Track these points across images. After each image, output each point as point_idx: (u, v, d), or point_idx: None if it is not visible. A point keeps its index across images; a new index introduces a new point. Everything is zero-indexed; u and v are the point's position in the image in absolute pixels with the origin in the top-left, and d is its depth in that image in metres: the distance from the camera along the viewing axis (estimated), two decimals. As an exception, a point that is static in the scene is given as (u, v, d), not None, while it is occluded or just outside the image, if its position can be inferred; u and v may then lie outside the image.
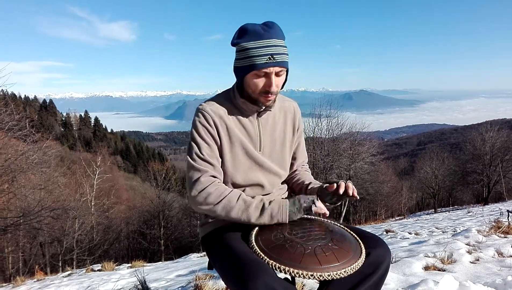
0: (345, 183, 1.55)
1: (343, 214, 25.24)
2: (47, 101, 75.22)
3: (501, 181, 29.12)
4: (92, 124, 79.66)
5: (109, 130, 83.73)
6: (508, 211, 4.13)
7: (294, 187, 1.85)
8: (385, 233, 5.60)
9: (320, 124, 22.41)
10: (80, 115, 79.41)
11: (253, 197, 1.54)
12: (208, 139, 1.57)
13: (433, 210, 31.81)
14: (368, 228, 11.61)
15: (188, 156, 1.58)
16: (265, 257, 1.33)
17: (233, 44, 1.55)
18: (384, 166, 33.17)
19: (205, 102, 1.64)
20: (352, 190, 1.54)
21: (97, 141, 67.25)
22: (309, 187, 1.73)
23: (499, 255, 2.61)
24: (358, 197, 1.57)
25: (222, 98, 1.65)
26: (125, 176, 54.75)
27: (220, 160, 1.60)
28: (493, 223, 5.27)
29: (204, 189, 1.50)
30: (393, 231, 5.59)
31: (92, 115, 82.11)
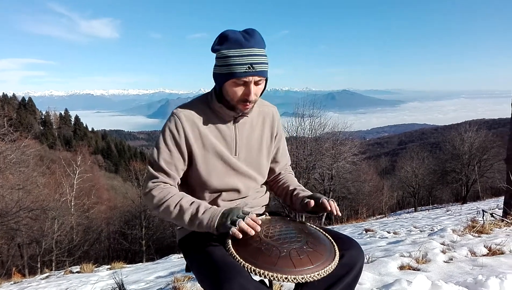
0: (328, 201, 1.56)
1: (325, 213, 25.50)
2: (26, 99, 73.48)
3: (478, 181, 29.83)
4: (72, 122, 78.20)
5: (90, 129, 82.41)
6: (483, 210, 4.23)
7: (279, 192, 1.87)
8: (364, 232, 5.69)
9: (303, 124, 22.55)
10: (60, 114, 77.86)
11: (202, 203, 1.54)
12: (171, 146, 1.58)
13: (413, 208, 32.35)
14: (350, 227, 11.76)
15: (147, 160, 1.62)
16: (241, 260, 1.34)
17: (213, 50, 1.55)
18: (365, 165, 33.59)
19: (181, 106, 1.64)
20: (335, 209, 1.56)
21: (78, 140, 66.10)
22: (294, 194, 1.75)
23: (472, 255, 2.67)
24: (340, 215, 1.59)
25: (199, 102, 1.66)
26: (106, 175, 54.03)
27: (182, 167, 1.62)
28: (469, 223, 5.41)
29: (149, 191, 1.56)
30: (372, 230, 5.68)
31: (73, 114, 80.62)
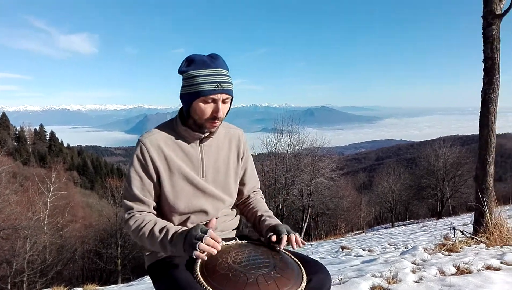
0: (288, 236, 1.57)
1: (304, 229, 25.37)
2: (0, 114, 71.58)
3: (448, 198, 30.47)
4: (47, 138, 76.38)
5: (65, 145, 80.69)
6: (454, 228, 4.32)
7: (248, 216, 1.87)
8: (341, 250, 5.72)
9: (282, 140, 22.68)
10: (35, 129, 76.03)
11: (169, 228, 1.54)
12: (141, 173, 1.62)
13: (390, 224, 32.73)
14: (328, 243, 11.77)
15: (122, 192, 1.62)
16: (209, 288, 1.34)
17: (180, 72, 1.60)
18: (344, 181, 33.93)
19: (147, 132, 1.67)
20: (295, 244, 1.56)
21: (53, 156, 64.46)
22: (261, 221, 1.75)
23: (441, 274, 2.72)
24: (303, 246, 1.61)
25: (165, 127, 1.69)
26: (82, 192, 52.73)
27: (156, 193, 1.65)
28: (442, 240, 5.51)
29: (126, 222, 1.63)
30: (348, 248, 5.71)
31: (48, 129, 78.80)
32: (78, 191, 50.36)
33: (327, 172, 23.55)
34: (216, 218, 1.70)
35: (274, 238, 1.58)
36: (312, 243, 14.61)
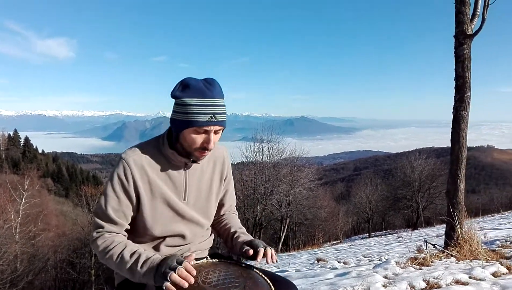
0: (265, 250, 1.56)
1: (282, 239, 25.30)
2: (-29, 118, 69.27)
3: (420, 210, 31.06)
4: (21, 144, 74.36)
5: (40, 151, 78.67)
6: (426, 241, 4.41)
7: (221, 233, 1.86)
8: (316, 261, 5.75)
9: (261, 149, 22.75)
10: (9, 134, 73.86)
11: (141, 253, 1.49)
12: (120, 193, 1.54)
13: (367, 234, 33.09)
14: (305, 253, 11.78)
15: (94, 208, 1.58)
16: None
17: (174, 96, 1.51)
18: (322, 191, 34.16)
19: (130, 148, 1.60)
20: (271, 259, 1.56)
21: (26, 163, 62.65)
22: (234, 237, 1.74)
23: (411, 289, 2.77)
24: (276, 261, 1.60)
25: (150, 146, 1.61)
26: (56, 200, 51.42)
27: (131, 214, 1.58)
28: (415, 252, 5.61)
29: (94, 241, 1.55)
30: (324, 260, 5.75)
31: (22, 135, 76.68)
32: (52, 198, 49.12)
33: (305, 182, 23.71)
34: (190, 243, 1.70)
35: (250, 252, 1.56)
36: (289, 253, 14.63)
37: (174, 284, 1.32)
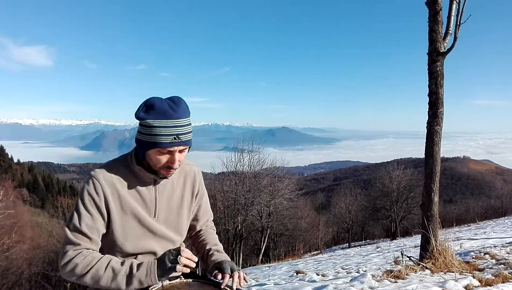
0: (232, 274, 1.59)
1: (263, 250, 25.14)
2: None
3: (397, 220, 31.54)
4: (-4, 153, 72.31)
5: (15, 161, 76.48)
6: (402, 253, 4.49)
7: (198, 249, 1.88)
8: (295, 274, 5.78)
9: (242, 160, 22.70)
10: (-18, 144, 71.80)
11: (133, 260, 1.54)
12: (92, 210, 1.53)
13: (347, 244, 33.33)
14: (285, 265, 11.78)
15: (66, 226, 1.55)
16: None
17: (138, 118, 1.52)
18: (303, 202, 34.32)
19: (99, 167, 1.60)
20: (237, 283, 1.58)
21: (1, 173, 60.88)
22: (209, 254, 1.77)
23: (386, 302, 2.81)
24: (244, 284, 1.62)
25: (119, 164, 1.62)
26: (31, 211, 49.92)
27: (103, 231, 1.57)
28: (392, 263, 5.69)
29: (71, 260, 1.49)
30: (303, 272, 5.78)
31: (-4, 144, 74.64)
32: (27, 209, 47.69)
33: (286, 193, 23.75)
34: None
35: (219, 277, 1.59)
36: (270, 264, 14.60)
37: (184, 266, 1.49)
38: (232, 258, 20.94)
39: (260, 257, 23.53)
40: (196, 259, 1.50)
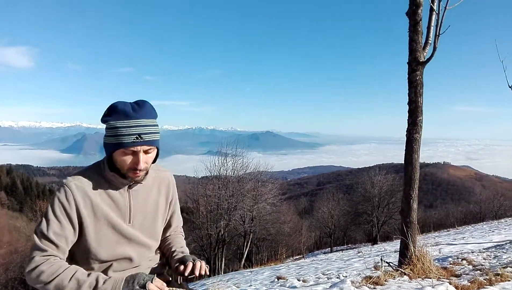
0: (194, 263, 1.60)
1: (245, 255, 25.09)
2: None
3: (384, 223, 31.93)
4: (-28, 155, 70.45)
5: (-7, 163, 74.76)
6: (381, 259, 4.54)
7: (165, 251, 1.88)
8: (276, 280, 5.78)
9: (226, 164, 22.63)
10: (-41, 145, 69.91)
11: (99, 274, 1.52)
12: (61, 218, 1.52)
13: (329, 249, 33.53)
14: (267, 270, 11.78)
15: (34, 232, 1.53)
16: None
17: (102, 121, 1.56)
18: (286, 206, 34.39)
19: (72, 175, 1.61)
20: (199, 270, 1.59)
21: (-23, 175, 59.49)
22: (174, 255, 1.77)
23: (365, 309, 2.84)
24: (206, 273, 1.63)
25: (91, 171, 1.63)
26: (9, 215, 48.71)
27: (73, 239, 1.56)
28: (372, 269, 5.75)
29: (37, 267, 1.47)
30: (284, 278, 5.79)
31: (-26, 146, 72.78)
32: (5, 213, 46.53)
33: (269, 198, 23.75)
34: (138, 266, 1.70)
35: (181, 268, 1.61)
36: (252, 269, 14.56)
37: None
38: (214, 263, 20.97)
39: (243, 262, 23.45)
40: (166, 289, 1.48)
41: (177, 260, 1.71)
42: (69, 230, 1.53)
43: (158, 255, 1.85)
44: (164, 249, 1.88)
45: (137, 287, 1.43)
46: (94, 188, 1.58)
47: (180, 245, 1.85)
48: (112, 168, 1.60)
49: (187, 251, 1.83)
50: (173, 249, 1.80)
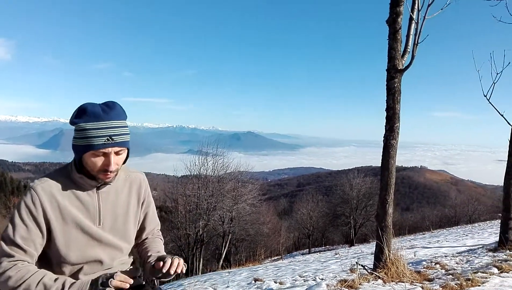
0: (172, 260, 1.59)
1: (224, 255, 25.00)
2: None
3: (361, 225, 32.40)
4: None
5: (-35, 157, 72.47)
6: (356, 262, 4.60)
7: (141, 255, 1.86)
8: (253, 282, 5.80)
9: (206, 164, 22.53)
10: None
11: (67, 278, 1.51)
12: (28, 222, 1.51)
13: (307, 250, 33.79)
14: (245, 271, 11.77)
15: (1, 238, 1.52)
16: None
17: (71, 123, 1.54)
18: (265, 207, 34.50)
19: (39, 178, 1.59)
20: (176, 267, 1.58)
21: None
22: (149, 260, 1.75)
23: (339, 313, 2.87)
24: (183, 271, 1.63)
25: (59, 174, 1.61)
26: (-19, 211, 47.40)
27: (41, 242, 1.55)
28: (348, 271, 5.83)
29: (4, 272, 1.47)
30: (261, 280, 5.81)
31: None
32: (-24, 210, 45.24)
33: (249, 198, 23.77)
34: (110, 268, 1.68)
35: (159, 264, 1.59)
36: (230, 270, 14.54)
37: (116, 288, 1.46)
38: (192, 263, 20.83)
39: (221, 262, 23.39)
40: (131, 281, 1.49)
41: (155, 258, 1.70)
42: (36, 234, 1.52)
43: (132, 258, 1.83)
44: (141, 253, 1.86)
45: (100, 288, 1.44)
46: (62, 190, 1.57)
47: (157, 250, 1.83)
48: (80, 170, 1.58)
49: (162, 253, 1.81)
50: (149, 254, 1.79)
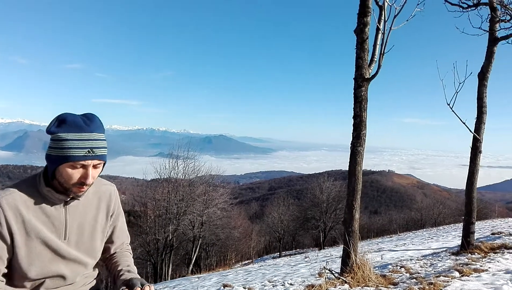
0: (142, 288, 1.56)
1: (193, 260, 24.74)
2: None
3: (331, 228, 32.86)
4: None
5: None
6: (324, 267, 4.66)
7: (111, 271, 1.82)
8: (222, 288, 5.78)
9: (177, 167, 22.28)
10: None
11: None
12: None
13: (278, 254, 33.95)
14: (215, 275, 11.72)
15: None
16: None
17: (49, 132, 1.49)
18: (236, 211, 34.48)
19: (4, 190, 1.52)
20: None
21: None
22: (120, 274, 1.71)
23: (305, 319, 2.90)
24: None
25: (26, 186, 1.55)
26: None
27: (7, 256, 1.50)
28: (316, 276, 5.90)
29: None
30: (230, 286, 5.79)
31: None
32: None
33: (220, 203, 23.67)
34: (72, 284, 1.64)
35: None
36: (200, 275, 14.42)
37: None
38: (161, 269, 20.54)
39: (191, 267, 23.16)
40: None
41: (124, 282, 1.65)
42: (1, 247, 1.47)
43: (96, 272, 1.79)
44: (110, 268, 1.82)
45: None
46: (27, 203, 1.52)
47: (126, 264, 1.79)
48: (48, 184, 1.54)
49: (134, 270, 1.77)
50: (119, 268, 1.75)
